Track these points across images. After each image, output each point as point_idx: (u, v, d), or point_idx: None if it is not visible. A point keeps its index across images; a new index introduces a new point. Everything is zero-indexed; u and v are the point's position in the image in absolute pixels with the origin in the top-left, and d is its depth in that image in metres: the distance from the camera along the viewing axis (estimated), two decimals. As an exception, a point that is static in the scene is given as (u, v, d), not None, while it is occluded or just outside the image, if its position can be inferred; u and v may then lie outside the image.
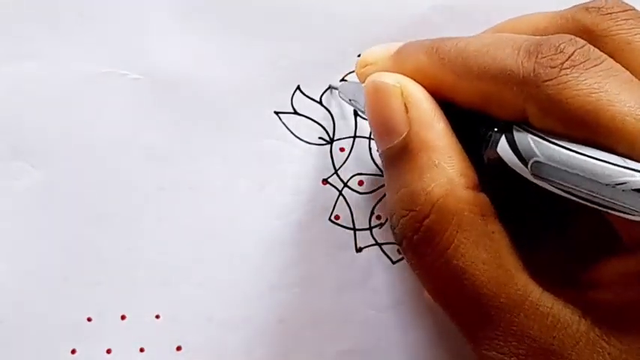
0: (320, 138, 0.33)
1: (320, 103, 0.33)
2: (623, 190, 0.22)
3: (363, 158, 0.34)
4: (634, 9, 0.26)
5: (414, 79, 0.27)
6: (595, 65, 0.23)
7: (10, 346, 0.32)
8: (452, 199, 0.24)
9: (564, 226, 0.27)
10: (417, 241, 0.25)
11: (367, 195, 0.33)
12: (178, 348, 0.32)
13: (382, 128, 0.26)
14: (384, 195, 0.33)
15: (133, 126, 0.33)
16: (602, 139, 0.23)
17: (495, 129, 0.25)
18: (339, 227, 0.33)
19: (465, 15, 0.33)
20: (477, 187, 0.25)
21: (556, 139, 0.23)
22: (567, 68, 0.23)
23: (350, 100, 0.31)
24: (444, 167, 0.25)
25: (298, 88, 0.33)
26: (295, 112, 0.33)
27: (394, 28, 0.33)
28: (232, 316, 0.32)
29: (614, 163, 0.22)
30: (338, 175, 0.33)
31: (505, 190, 0.26)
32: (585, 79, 0.23)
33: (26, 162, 0.33)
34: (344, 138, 0.34)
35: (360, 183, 0.33)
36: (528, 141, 0.24)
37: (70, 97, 0.33)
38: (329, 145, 0.33)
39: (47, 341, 0.32)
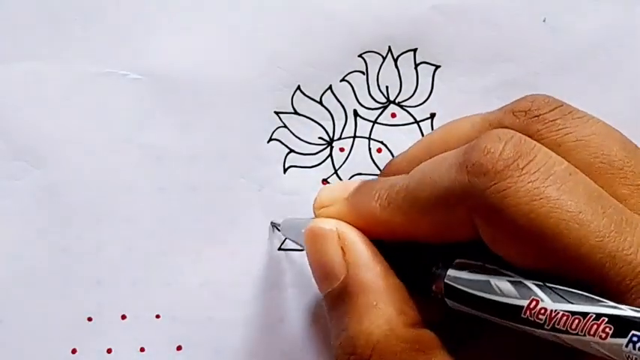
0: (320, 138, 0.33)
1: (320, 103, 0.33)
2: None
3: (362, 158, 0.34)
4: (561, 105, 0.26)
5: (369, 224, 0.26)
6: (530, 161, 0.23)
7: (10, 346, 0.32)
8: (392, 340, 0.24)
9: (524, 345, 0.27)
10: None
11: (367, 195, 0.33)
12: (178, 348, 0.32)
13: (321, 273, 0.27)
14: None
15: (133, 126, 0.33)
16: (548, 245, 0.22)
17: (440, 264, 0.25)
18: (339, 227, 0.33)
19: (465, 15, 0.33)
20: (419, 324, 0.25)
21: (496, 266, 0.23)
22: (502, 170, 0.22)
23: (292, 238, 0.31)
24: (383, 308, 0.25)
25: (298, 88, 0.33)
26: (295, 112, 0.33)
27: (394, 28, 0.33)
28: (232, 316, 0.32)
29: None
30: (338, 175, 0.33)
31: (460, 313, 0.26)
32: (524, 185, 0.22)
33: (26, 162, 0.33)
34: (344, 138, 0.34)
35: (360, 183, 0.33)
36: (462, 278, 0.24)
37: (70, 97, 0.33)
38: (329, 145, 0.33)
39: (47, 341, 0.32)
